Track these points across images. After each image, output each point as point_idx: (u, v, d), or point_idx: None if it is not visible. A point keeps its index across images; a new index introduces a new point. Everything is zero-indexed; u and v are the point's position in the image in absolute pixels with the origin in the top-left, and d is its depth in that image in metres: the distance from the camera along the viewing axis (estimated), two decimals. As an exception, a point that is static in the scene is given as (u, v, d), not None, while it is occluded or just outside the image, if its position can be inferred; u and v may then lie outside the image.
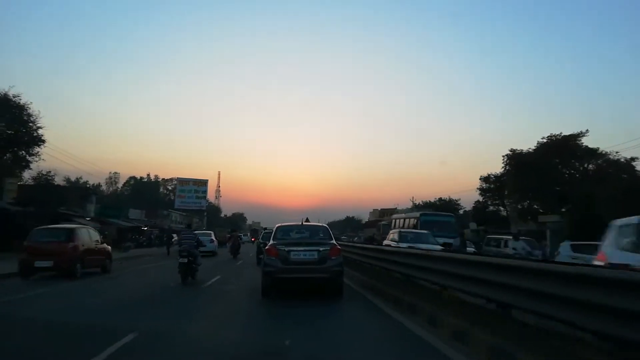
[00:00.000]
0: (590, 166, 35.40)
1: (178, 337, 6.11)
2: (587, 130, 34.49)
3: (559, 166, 35.89)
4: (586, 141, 34.46)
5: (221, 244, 38.05)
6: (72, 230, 14.65)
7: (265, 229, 25.09)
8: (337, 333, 6.55)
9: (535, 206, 37.89)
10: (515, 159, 37.49)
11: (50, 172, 35.65)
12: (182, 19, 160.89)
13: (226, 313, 8.49)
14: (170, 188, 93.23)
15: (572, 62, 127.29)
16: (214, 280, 13.56)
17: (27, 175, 35.25)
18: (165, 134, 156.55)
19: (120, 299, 9.88)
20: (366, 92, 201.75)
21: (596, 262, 6.87)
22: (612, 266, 5.82)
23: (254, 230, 66.71)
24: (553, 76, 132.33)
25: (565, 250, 16.72)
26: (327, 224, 12.85)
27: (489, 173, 45.79)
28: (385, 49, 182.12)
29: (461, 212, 52.96)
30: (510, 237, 18.09)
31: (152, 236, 46.50)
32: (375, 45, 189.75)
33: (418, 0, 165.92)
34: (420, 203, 57.51)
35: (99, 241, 15.82)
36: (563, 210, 33.19)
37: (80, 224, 20.31)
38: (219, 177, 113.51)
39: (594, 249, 8.91)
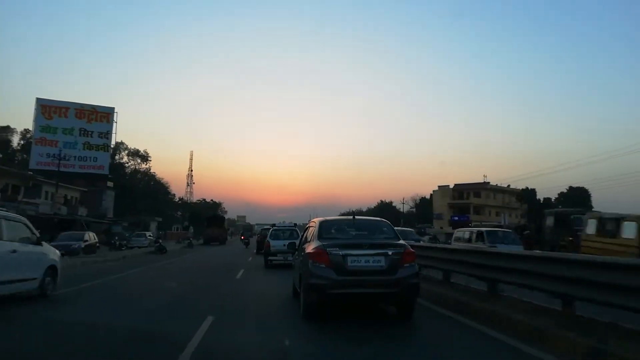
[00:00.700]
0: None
1: None
2: None
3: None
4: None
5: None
6: None
7: (273, 225, 21.97)
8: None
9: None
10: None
11: None
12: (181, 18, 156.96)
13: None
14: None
15: (572, 61, 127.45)
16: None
17: None
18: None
19: None
20: (350, 87, 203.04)
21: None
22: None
23: (248, 228, 66.64)
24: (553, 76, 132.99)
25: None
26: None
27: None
28: (372, 46, 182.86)
29: None
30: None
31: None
32: (361, 41, 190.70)
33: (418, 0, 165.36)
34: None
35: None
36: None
37: None
38: (191, 159, 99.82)
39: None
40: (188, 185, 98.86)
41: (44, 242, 9.22)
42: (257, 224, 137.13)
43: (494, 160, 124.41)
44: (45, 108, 45.97)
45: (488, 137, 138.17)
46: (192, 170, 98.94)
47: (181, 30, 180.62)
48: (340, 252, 6.38)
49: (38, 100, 46.16)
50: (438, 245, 17.39)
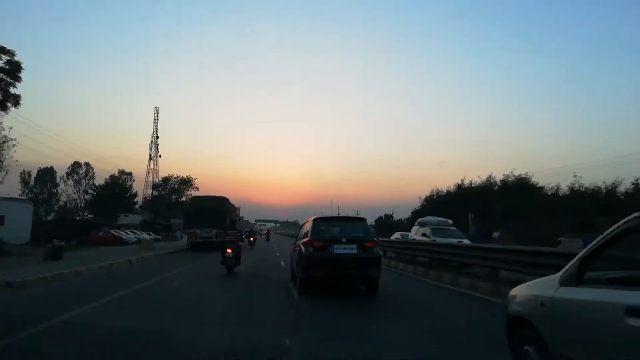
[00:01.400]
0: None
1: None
2: None
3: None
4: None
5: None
6: None
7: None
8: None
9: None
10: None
11: None
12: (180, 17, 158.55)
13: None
14: None
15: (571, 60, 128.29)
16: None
17: None
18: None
19: None
20: (350, 87, 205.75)
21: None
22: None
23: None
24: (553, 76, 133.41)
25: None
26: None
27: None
28: (372, 46, 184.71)
29: None
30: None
31: None
32: (361, 41, 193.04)
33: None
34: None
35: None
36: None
37: None
38: (156, 116, 77.62)
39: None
40: (151, 159, 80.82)
41: None
42: (256, 220, 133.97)
43: (494, 160, 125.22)
44: None
45: (488, 138, 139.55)
46: (158, 136, 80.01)
47: (181, 30, 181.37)
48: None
49: None
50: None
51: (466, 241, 17.46)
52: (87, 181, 77.77)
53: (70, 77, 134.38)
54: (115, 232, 39.54)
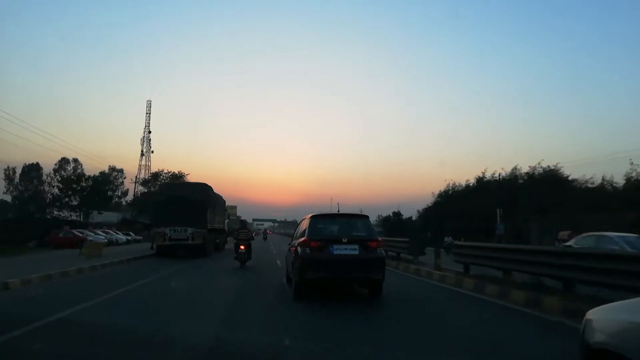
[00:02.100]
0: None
1: None
2: None
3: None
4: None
5: None
6: None
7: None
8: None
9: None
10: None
11: None
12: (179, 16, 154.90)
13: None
14: None
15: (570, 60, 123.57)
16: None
17: None
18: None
19: None
20: (350, 87, 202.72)
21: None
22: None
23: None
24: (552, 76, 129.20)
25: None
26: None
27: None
28: (372, 46, 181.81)
29: None
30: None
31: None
32: (360, 41, 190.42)
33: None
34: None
35: None
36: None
37: None
38: (148, 110, 76.95)
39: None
40: (144, 154, 78.21)
41: None
42: (254, 219, 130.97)
43: (493, 161, 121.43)
44: None
45: (488, 137, 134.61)
46: (150, 130, 77.64)
47: (181, 31, 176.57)
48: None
49: None
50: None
51: None
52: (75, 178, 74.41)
53: (63, 72, 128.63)
54: (79, 232, 33.74)
